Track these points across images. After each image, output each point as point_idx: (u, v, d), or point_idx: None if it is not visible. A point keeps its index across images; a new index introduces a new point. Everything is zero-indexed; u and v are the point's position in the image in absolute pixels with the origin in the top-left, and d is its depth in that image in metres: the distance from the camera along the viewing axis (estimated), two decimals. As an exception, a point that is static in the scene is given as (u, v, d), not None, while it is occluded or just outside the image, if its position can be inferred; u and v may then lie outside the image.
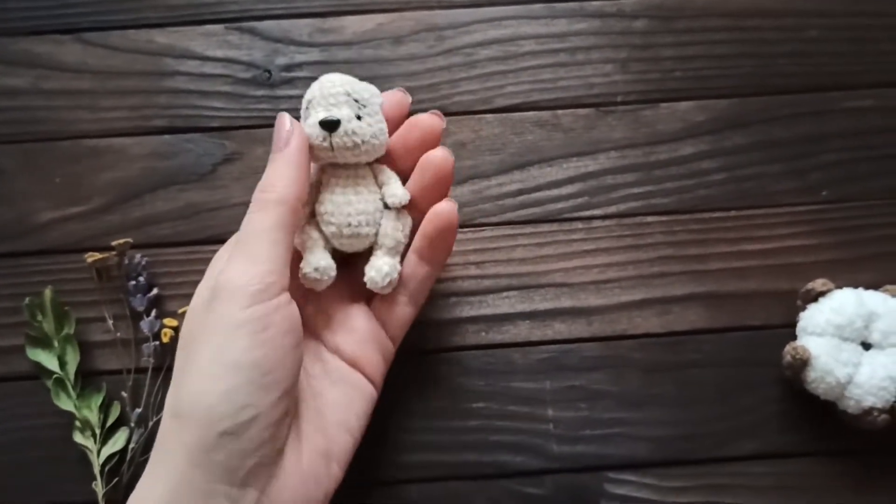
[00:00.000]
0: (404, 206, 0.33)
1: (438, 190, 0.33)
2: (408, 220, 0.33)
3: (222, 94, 0.40)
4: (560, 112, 0.40)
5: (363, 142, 0.31)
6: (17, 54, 0.40)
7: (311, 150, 0.31)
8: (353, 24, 0.41)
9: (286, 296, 0.29)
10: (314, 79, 0.39)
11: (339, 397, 0.32)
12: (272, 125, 0.39)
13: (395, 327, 0.34)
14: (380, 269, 0.32)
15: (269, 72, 0.40)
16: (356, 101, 0.31)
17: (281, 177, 0.30)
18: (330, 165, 0.33)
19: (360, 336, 0.33)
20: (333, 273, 0.32)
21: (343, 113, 0.31)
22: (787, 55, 0.40)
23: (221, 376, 0.27)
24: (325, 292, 0.33)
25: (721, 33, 0.41)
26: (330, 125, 0.31)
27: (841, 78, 0.40)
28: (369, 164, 0.33)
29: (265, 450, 0.27)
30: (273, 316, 0.28)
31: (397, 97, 0.33)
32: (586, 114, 0.40)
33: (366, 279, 0.33)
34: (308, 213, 0.33)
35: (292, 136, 0.30)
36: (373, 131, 0.31)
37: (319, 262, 0.32)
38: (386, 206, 0.33)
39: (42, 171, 0.39)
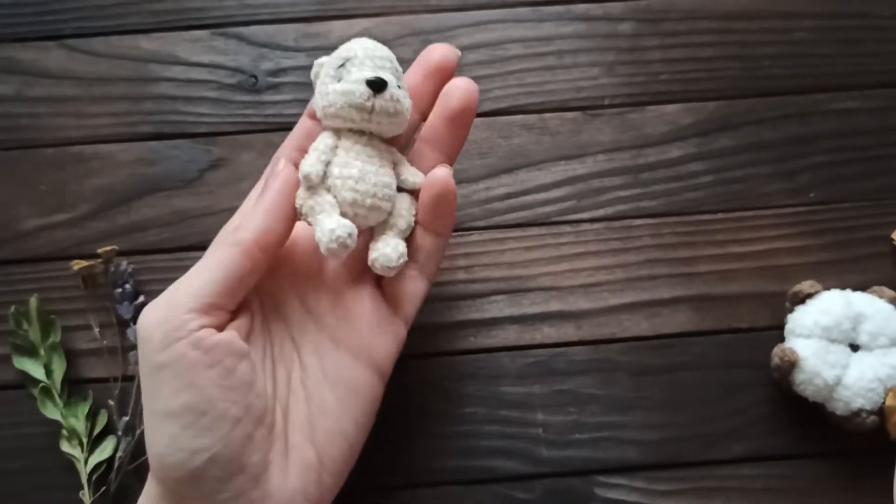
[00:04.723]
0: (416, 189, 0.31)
1: (461, 124, 0.31)
2: (415, 204, 0.32)
3: (208, 100, 0.40)
4: (547, 115, 0.40)
5: (401, 111, 0.29)
6: (0, 61, 0.40)
7: (339, 113, 0.29)
8: (339, 29, 0.41)
9: (207, 330, 0.27)
10: (300, 84, 0.40)
11: (335, 402, 0.30)
12: (259, 131, 0.39)
13: (408, 304, 0.32)
14: (396, 247, 0.30)
15: (255, 77, 0.40)
16: (398, 70, 0.30)
17: (249, 219, 0.28)
18: (348, 133, 0.30)
19: (367, 322, 0.31)
20: (356, 236, 0.29)
21: (389, 77, 0.29)
22: (774, 57, 0.40)
23: (159, 426, 0.26)
24: (325, 276, 0.31)
25: (707, 36, 0.41)
26: (378, 85, 0.28)
27: (828, 80, 0.40)
28: (382, 141, 0.31)
29: (238, 481, 0.26)
30: (191, 354, 0.26)
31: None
32: (574, 117, 0.40)
33: (377, 258, 0.30)
34: (320, 179, 0.29)
35: (276, 179, 0.29)
36: (409, 104, 0.30)
37: (341, 223, 0.28)
38: (399, 189, 0.31)
39: (27, 179, 0.39)
